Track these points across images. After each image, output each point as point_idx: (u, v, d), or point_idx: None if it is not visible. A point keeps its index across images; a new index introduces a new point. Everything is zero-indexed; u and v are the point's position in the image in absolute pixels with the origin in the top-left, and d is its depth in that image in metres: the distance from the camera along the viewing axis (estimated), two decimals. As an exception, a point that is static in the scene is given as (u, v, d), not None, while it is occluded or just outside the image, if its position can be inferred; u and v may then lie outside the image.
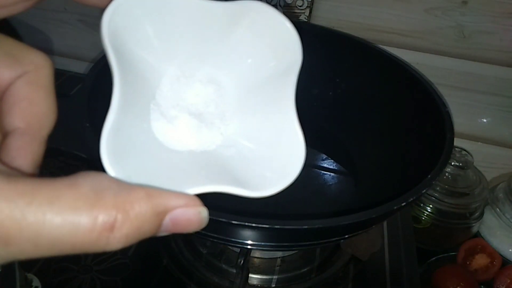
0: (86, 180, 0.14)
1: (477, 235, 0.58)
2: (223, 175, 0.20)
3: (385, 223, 0.50)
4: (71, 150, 0.29)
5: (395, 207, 0.27)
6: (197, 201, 0.16)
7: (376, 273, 0.45)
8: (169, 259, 0.44)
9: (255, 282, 0.43)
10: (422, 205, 0.56)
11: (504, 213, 0.56)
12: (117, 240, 0.13)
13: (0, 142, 0.17)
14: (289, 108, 0.22)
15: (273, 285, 0.43)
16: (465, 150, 0.57)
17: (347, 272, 0.45)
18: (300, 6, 0.55)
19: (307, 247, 0.42)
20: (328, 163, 0.51)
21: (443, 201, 0.55)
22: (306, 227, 0.26)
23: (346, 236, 0.33)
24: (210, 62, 0.22)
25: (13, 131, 0.17)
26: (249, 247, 0.32)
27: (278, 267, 0.44)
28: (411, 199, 0.28)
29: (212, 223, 0.24)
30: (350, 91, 0.49)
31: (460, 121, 0.59)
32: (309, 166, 0.50)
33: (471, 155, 0.56)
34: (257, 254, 0.44)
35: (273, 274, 0.43)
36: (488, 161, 0.62)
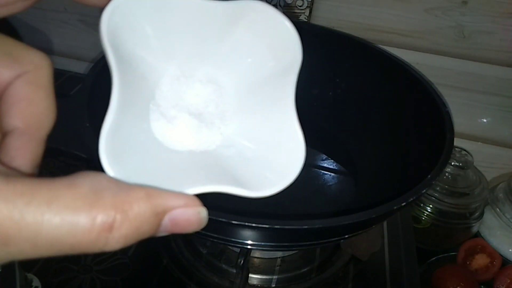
0: (85, 180, 0.14)
1: (477, 235, 0.58)
2: (223, 175, 0.20)
3: (385, 223, 0.50)
4: (71, 150, 0.29)
5: (395, 207, 0.27)
6: (197, 201, 0.16)
7: (376, 273, 0.45)
8: (169, 259, 0.44)
9: (255, 282, 0.43)
10: (422, 205, 0.56)
11: (504, 213, 0.56)
12: (116, 240, 0.13)
13: None
14: (289, 108, 0.22)
15: (273, 285, 0.43)
16: (465, 150, 0.57)
17: (347, 272, 0.45)
18: (300, 6, 0.55)
19: (307, 247, 0.42)
20: (328, 163, 0.51)
21: (443, 201, 0.55)
22: (306, 227, 0.26)
23: (346, 236, 0.33)
24: (210, 62, 0.22)
25: (12, 131, 0.17)
26: (249, 247, 0.32)
27: (278, 267, 0.44)
28: (411, 199, 0.28)
29: (212, 223, 0.24)
30: (350, 91, 0.49)
31: (460, 121, 0.59)
32: (309, 166, 0.50)
33: (471, 155, 0.56)
34: (257, 254, 0.44)
35: (273, 274, 0.43)
36: (488, 161, 0.62)
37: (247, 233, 0.29)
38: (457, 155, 0.56)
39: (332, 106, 0.51)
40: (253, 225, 0.25)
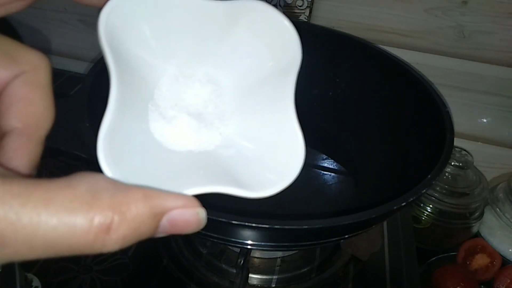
0: (82, 181, 0.14)
1: (477, 235, 0.58)
2: (222, 176, 0.20)
3: (385, 223, 0.50)
4: (71, 150, 0.29)
5: (395, 207, 0.27)
6: (195, 202, 0.16)
7: (376, 273, 0.45)
8: (169, 259, 0.44)
9: (255, 282, 0.43)
10: (422, 205, 0.56)
11: (504, 213, 0.56)
12: (113, 241, 0.13)
13: None
14: (289, 108, 0.22)
15: (273, 285, 0.43)
16: (465, 150, 0.57)
17: (347, 272, 0.45)
18: (300, 6, 0.55)
19: (307, 247, 0.42)
20: (328, 163, 0.51)
21: (443, 201, 0.55)
22: (306, 227, 0.26)
23: (346, 236, 0.33)
24: (209, 62, 0.22)
25: (11, 131, 0.17)
26: (249, 247, 0.32)
27: (278, 267, 0.44)
28: (411, 199, 0.28)
29: (212, 223, 0.24)
30: (350, 91, 0.49)
31: (460, 121, 0.59)
32: (309, 166, 0.50)
33: (471, 155, 0.56)
34: (257, 254, 0.44)
35: (273, 274, 0.43)
36: (488, 161, 0.62)
37: (247, 233, 0.29)
38: (457, 155, 0.56)
39: (332, 106, 0.51)
40: (253, 225, 0.25)
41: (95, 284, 0.41)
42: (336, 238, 0.33)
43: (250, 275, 0.42)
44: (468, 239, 0.56)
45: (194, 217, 0.15)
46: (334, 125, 0.51)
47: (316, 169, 0.50)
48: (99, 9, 0.18)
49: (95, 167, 0.16)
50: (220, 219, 0.25)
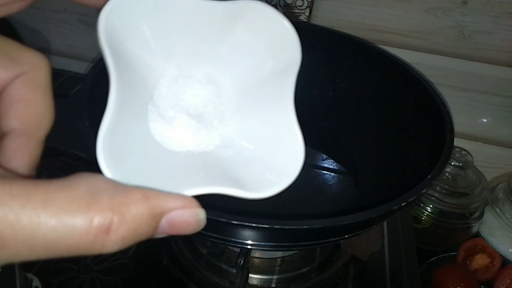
0: (81, 182, 0.14)
1: (477, 235, 0.58)
2: (222, 176, 0.20)
3: (385, 223, 0.50)
4: (71, 150, 0.29)
5: (395, 207, 0.27)
6: (195, 203, 0.16)
7: (376, 273, 0.45)
8: (169, 259, 0.44)
9: (255, 282, 0.43)
10: (422, 205, 0.56)
11: (504, 213, 0.56)
12: (113, 242, 0.13)
13: None
14: (288, 108, 0.22)
15: (273, 285, 0.43)
16: (465, 150, 0.57)
17: (347, 272, 0.45)
18: (300, 6, 0.55)
19: (307, 247, 0.42)
20: (328, 163, 0.51)
21: (443, 201, 0.55)
22: (306, 227, 0.26)
23: (346, 236, 0.33)
24: (209, 62, 0.22)
25: (10, 132, 0.17)
26: (249, 247, 0.32)
27: (278, 267, 0.44)
28: (411, 199, 0.28)
29: (212, 223, 0.24)
30: (350, 91, 0.49)
31: (460, 121, 0.59)
32: (309, 166, 0.50)
33: (471, 155, 0.56)
34: (257, 254, 0.44)
35: (273, 274, 0.43)
36: (488, 161, 0.62)
37: (247, 233, 0.29)
38: (457, 155, 0.56)
39: (332, 106, 0.51)
40: (253, 225, 0.25)
41: (95, 284, 0.41)
42: (336, 238, 0.33)
43: (250, 275, 0.42)
44: (468, 239, 0.56)
45: (193, 218, 0.15)
46: (334, 125, 0.51)
47: (316, 169, 0.50)
48: (98, 9, 0.18)
49: (95, 167, 0.16)
50: (220, 219, 0.25)
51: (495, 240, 0.57)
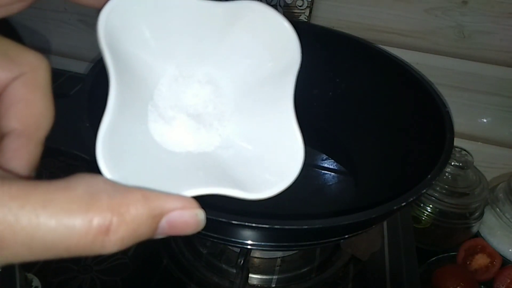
0: (80, 183, 0.14)
1: (477, 235, 0.58)
2: (221, 177, 0.20)
3: (385, 223, 0.50)
4: (71, 150, 0.29)
5: (395, 207, 0.27)
6: (194, 204, 0.16)
7: (376, 273, 0.45)
8: (169, 259, 0.44)
9: (255, 282, 0.43)
10: (422, 205, 0.56)
11: (504, 213, 0.56)
12: (112, 243, 0.13)
13: None
14: (288, 108, 0.22)
15: (273, 285, 0.43)
16: (465, 150, 0.57)
17: (347, 272, 0.45)
18: (300, 6, 0.55)
19: (307, 247, 0.42)
20: (328, 163, 0.51)
21: (443, 201, 0.55)
22: (306, 227, 0.26)
23: (346, 236, 0.33)
24: (209, 63, 0.22)
25: (10, 132, 0.17)
26: (249, 247, 0.32)
27: (278, 267, 0.44)
28: (411, 199, 0.28)
29: (212, 223, 0.24)
30: (350, 91, 0.49)
31: (460, 121, 0.59)
32: (309, 166, 0.50)
33: (471, 155, 0.56)
34: (257, 254, 0.44)
35: (273, 274, 0.43)
36: (488, 161, 0.62)
37: (247, 233, 0.29)
38: (457, 155, 0.56)
39: (332, 106, 0.51)
40: (253, 225, 0.25)
41: (95, 284, 0.41)
42: (336, 238, 0.33)
43: (250, 275, 0.42)
44: (468, 239, 0.56)
45: (193, 219, 0.15)
46: (334, 125, 0.51)
47: (316, 169, 0.50)
48: (98, 9, 0.18)
49: (95, 167, 0.16)
50: (220, 219, 0.25)
51: (495, 240, 0.57)
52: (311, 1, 0.54)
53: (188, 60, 0.22)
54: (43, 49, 0.70)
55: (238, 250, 0.40)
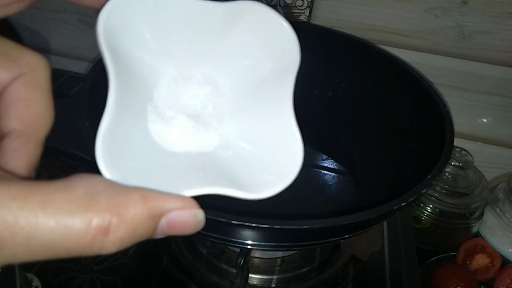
0: (80, 183, 0.14)
1: (477, 235, 0.58)
2: (221, 177, 0.20)
3: (385, 223, 0.50)
4: (71, 150, 0.29)
5: (395, 207, 0.27)
6: (193, 203, 0.16)
7: (376, 273, 0.45)
8: (169, 259, 0.44)
9: (255, 282, 0.43)
10: (422, 205, 0.56)
11: (504, 213, 0.56)
12: (112, 243, 0.13)
13: None
14: (287, 109, 0.22)
15: (273, 285, 0.43)
16: (465, 150, 0.57)
17: (347, 272, 0.45)
18: (300, 6, 0.55)
19: (307, 247, 0.42)
20: (328, 163, 0.51)
21: (443, 201, 0.55)
22: (306, 227, 0.26)
23: (346, 236, 0.33)
24: (208, 63, 0.22)
25: (10, 132, 0.17)
26: (249, 247, 0.32)
27: (278, 267, 0.44)
28: (411, 199, 0.28)
29: (212, 223, 0.24)
30: (350, 91, 0.49)
31: (460, 121, 0.59)
32: (309, 166, 0.50)
33: (471, 155, 0.56)
34: (257, 254, 0.44)
35: (273, 274, 0.43)
36: (488, 161, 0.62)
37: (247, 233, 0.29)
38: (457, 155, 0.56)
39: (332, 106, 0.51)
40: (253, 225, 0.25)
41: (95, 284, 0.41)
42: (336, 238, 0.33)
43: (250, 275, 0.42)
44: (468, 239, 0.56)
45: (192, 219, 0.15)
46: (334, 125, 0.51)
47: (316, 169, 0.50)
48: (97, 10, 0.18)
49: (95, 168, 0.16)
50: (220, 219, 0.25)
51: (495, 240, 0.57)
52: (311, 1, 0.54)
53: (188, 60, 0.22)
54: (43, 49, 0.70)
55: (238, 250, 0.40)
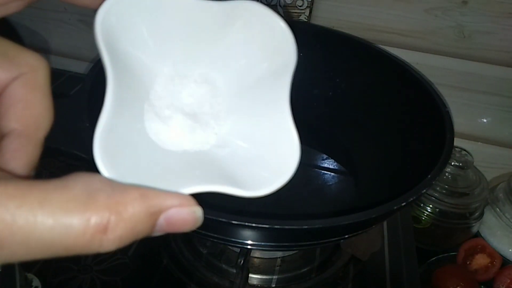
0: (78, 182, 0.14)
1: (477, 235, 0.58)
2: (218, 175, 0.20)
3: (385, 223, 0.50)
4: (71, 150, 0.29)
5: (395, 207, 0.27)
6: (192, 201, 0.16)
7: (376, 273, 0.45)
8: (169, 259, 0.44)
9: (255, 282, 0.43)
10: (422, 205, 0.56)
11: (504, 213, 0.56)
12: (110, 241, 0.13)
13: None
14: (284, 107, 0.22)
15: (273, 285, 0.43)
16: (465, 150, 0.57)
17: (347, 272, 0.45)
18: (300, 6, 0.55)
19: (307, 247, 0.42)
20: (328, 163, 0.51)
21: (443, 201, 0.55)
22: (306, 227, 0.26)
23: (346, 236, 0.33)
24: (205, 62, 0.22)
25: (9, 132, 0.17)
26: (249, 247, 0.32)
27: (278, 267, 0.44)
28: (411, 199, 0.28)
29: (212, 223, 0.24)
30: (350, 91, 0.49)
31: (460, 121, 0.59)
32: (309, 166, 0.50)
33: (471, 155, 0.56)
34: (257, 254, 0.44)
35: (273, 274, 0.43)
36: (488, 161, 0.62)
37: (247, 233, 0.29)
38: (457, 155, 0.56)
39: (332, 106, 0.51)
40: (253, 225, 0.25)
41: (95, 284, 0.41)
42: (336, 238, 0.33)
43: (250, 275, 0.42)
44: (468, 239, 0.56)
45: (190, 216, 0.15)
46: (334, 125, 0.51)
47: (316, 169, 0.50)
48: (94, 10, 0.18)
49: (94, 167, 0.16)
50: (220, 219, 0.25)
51: (495, 240, 0.57)
52: (311, 1, 0.54)
53: (185, 59, 0.22)
54: (43, 49, 0.70)
55: (238, 250, 0.40)
